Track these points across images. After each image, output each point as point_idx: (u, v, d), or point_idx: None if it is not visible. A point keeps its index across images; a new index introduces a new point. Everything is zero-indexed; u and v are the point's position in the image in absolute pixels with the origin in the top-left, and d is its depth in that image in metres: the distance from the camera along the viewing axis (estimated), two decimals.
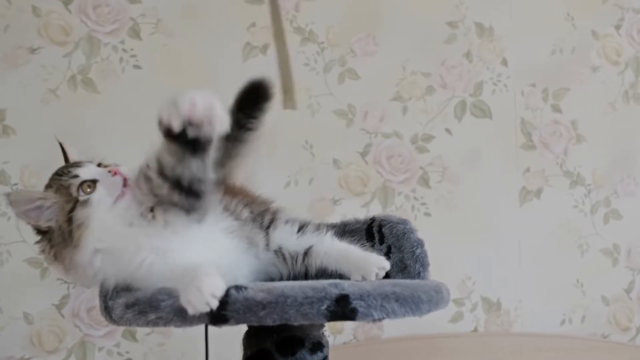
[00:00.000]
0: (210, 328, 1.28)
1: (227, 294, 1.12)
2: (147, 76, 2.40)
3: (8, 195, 1.22)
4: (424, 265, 1.44)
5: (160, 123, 1.08)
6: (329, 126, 2.49)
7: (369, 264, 1.32)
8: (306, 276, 1.41)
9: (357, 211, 2.42)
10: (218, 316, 1.11)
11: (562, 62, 2.66)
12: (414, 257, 1.44)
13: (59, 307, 2.30)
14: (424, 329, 2.42)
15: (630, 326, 2.62)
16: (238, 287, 1.13)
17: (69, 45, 2.38)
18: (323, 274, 1.40)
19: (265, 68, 2.47)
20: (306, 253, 1.39)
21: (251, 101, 1.48)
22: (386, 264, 1.33)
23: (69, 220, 1.20)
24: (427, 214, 2.53)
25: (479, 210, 2.55)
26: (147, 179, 1.17)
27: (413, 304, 1.19)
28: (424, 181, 2.54)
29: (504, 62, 2.62)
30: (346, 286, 1.16)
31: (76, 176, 1.24)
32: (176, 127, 1.07)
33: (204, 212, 1.19)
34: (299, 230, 1.42)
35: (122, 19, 2.41)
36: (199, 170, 1.12)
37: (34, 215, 1.21)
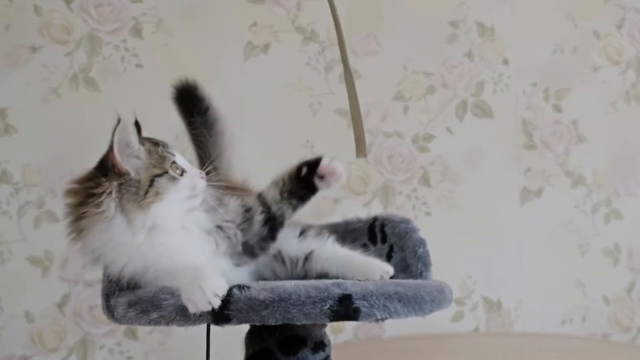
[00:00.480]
0: (212, 327, 1.28)
1: (229, 293, 1.12)
2: (149, 75, 2.40)
3: (120, 120, 1.26)
4: (426, 264, 1.44)
5: (300, 166, 1.28)
6: (330, 125, 2.49)
7: (373, 268, 1.32)
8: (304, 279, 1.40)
9: (358, 211, 2.42)
10: (221, 315, 1.11)
11: (563, 61, 2.66)
12: (416, 256, 1.44)
13: (60, 305, 2.30)
14: (424, 329, 2.42)
15: (631, 326, 2.62)
16: (241, 287, 1.13)
17: (71, 44, 2.38)
18: (323, 277, 1.38)
19: (266, 67, 2.48)
20: (307, 258, 1.38)
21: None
22: (390, 269, 1.32)
23: (151, 182, 1.21)
24: (428, 214, 2.53)
25: (479, 209, 2.55)
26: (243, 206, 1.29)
27: (416, 304, 1.19)
28: (425, 181, 2.54)
29: (505, 62, 2.62)
30: (349, 286, 1.16)
31: (173, 154, 1.27)
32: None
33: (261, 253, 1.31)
34: (300, 234, 1.41)
35: (124, 18, 2.41)
36: (289, 212, 1.28)
37: (125, 152, 1.23)
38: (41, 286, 2.29)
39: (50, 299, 2.29)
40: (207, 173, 1.28)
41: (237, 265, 1.29)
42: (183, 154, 2.40)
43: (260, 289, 1.13)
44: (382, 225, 1.50)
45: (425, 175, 2.54)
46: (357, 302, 1.14)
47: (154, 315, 1.15)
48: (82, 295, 2.30)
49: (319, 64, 2.51)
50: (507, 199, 2.58)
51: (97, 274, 2.24)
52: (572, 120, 2.64)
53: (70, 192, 1.27)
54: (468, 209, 2.55)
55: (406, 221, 1.50)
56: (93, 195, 1.21)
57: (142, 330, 2.32)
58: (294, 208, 1.29)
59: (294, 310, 1.12)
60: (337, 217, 1.67)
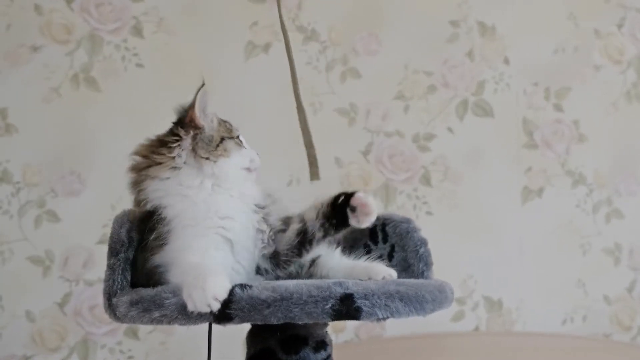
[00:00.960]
0: (214, 326, 1.28)
1: (231, 292, 1.12)
2: (149, 75, 2.40)
3: (203, 86, 1.40)
4: (428, 264, 1.44)
5: (339, 195, 1.30)
6: (331, 125, 2.49)
7: (377, 269, 1.32)
8: None
9: None
10: (222, 314, 1.11)
11: (564, 61, 2.66)
12: (418, 256, 1.44)
13: (61, 305, 2.30)
14: (425, 328, 2.42)
15: (632, 326, 2.62)
16: (243, 286, 1.13)
17: (71, 44, 2.38)
18: None
19: (267, 67, 2.48)
20: (313, 262, 1.39)
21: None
22: (394, 274, 1.33)
23: (221, 140, 1.34)
24: (429, 213, 2.53)
25: (480, 209, 2.55)
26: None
27: (417, 304, 1.19)
28: (426, 180, 2.54)
29: (506, 61, 2.62)
30: (350, 285, 1.16)
31: (237, 131, 1.40)
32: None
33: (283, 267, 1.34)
34: None
35: (125, 17, 2.41)
36: (320, 233, 1.31)
37: (203, 111, 1.36)
38: (42, 286, 2.29)
39: (51, 299, 2.29)
40: None
41: (257, 272, 1.32)
42: None
43: (262, 288, 1.13)
44: (384, 225, 1.50)
45: (426, 174, 2.54)
46: (358, 301, 1.14)
47: (156, 314, 1.15)
48: (83, 294, 2.30)
49: (320, 63, 2.51)
50: (508, 199, 2.58)
51: (97, 274, 2.26)
52: (573, 119, 2.64)
53: (142, 146, 1.38)
54: (469, 208, 2.55)
55: (407, 221, 1.50)
56: (167, 144, 1.34)
57: (143, 329, 2.32)
58: (325, 232, 1.31)
59: (296, 310, 1.12)
60: None
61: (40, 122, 2.33)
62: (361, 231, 1.54)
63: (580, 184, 2.63)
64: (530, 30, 2.64)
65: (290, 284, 1.15)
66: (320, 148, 2.46)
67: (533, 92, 2.63)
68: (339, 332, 2.41)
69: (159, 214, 1.29)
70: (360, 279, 1.26)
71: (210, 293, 1.09)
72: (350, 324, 2.41)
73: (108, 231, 1.33)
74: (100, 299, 1.29)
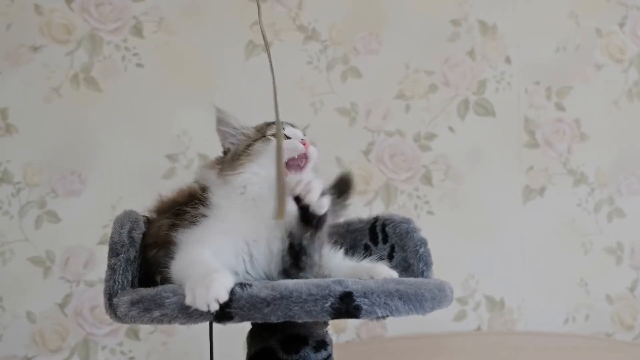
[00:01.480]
0: (215, 326, 1.28)
1: (231, 291, 1.12)
2: (150, 74, 2.40)
3: (218, 110, 1.39)
4: (428, 264, 1.44)
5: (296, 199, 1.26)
6: (332, 124, 2.49)
7: (379, 270, 1.32)
8: None
9: (359, 210, 2.40)
10: (222, 313, 1.11)
11: (565, 60, 2.65)
12: (418, 256, 1.44)
13: (62, 305, 2.30)
14: (427, 328, 2.42)
15: (634, 325, 2.62)
16: (242, 285, 1.13)
17: (72, 44, 2.38)
18: None
19: (267, 66, 2.47)
20: None
21: (340, 190, 1.58)
22: (395, 275, 1.33)
23: (247, 148, 1.35)
24: (430, 213, 2.52)
25: (482, 208, 2.55)
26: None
27: (416, 302, 1.19)
28: (427, 179, 2.54)
29: (508, 60, 2.61)
30: (350, 284, 1.16)
31: (271, 127, 1.40)
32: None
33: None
34: None
35: (125, 17, 2.41)
36: (306, 243, 1.28)
37: (226, 134, 1.38)
38: (42, 286, 2.29)
39: (51, 300, 2.29)
40: None
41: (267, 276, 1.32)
42: (184, 154, 2.41)
43: (262, 287, 1.13)
44: (384, 225, 1.50)
45: (427, 174, 2.54)
46: (358, 299, 1.14)
47: (157, 313, 1.15)
48: (84, 295, 2.30)
49: (321, 62, 2.50)
50: (509, 198, 2.58)
51: (98, 275, 2.26)
52: (575, 118, 2.64)
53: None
54: (470, 207, 2.54)
55: (407, 221, 1.49)
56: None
57: (144, 330, 2.32)
58: (308, 238, 1.29)
59: (296, 308, 1.12)
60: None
61: (40, 122, 2.33)
62: (361, 232, 1.54)
63: (581, 183, 2.62)
64: (531, 29, 2.64)
65: (290, 282, 1.15)
66: (321, 148, 2.47)
67: (534, 91, 2.62)
68: (340, 332, 2.41)
69: (207, 194, 1.33)
70: (361, 279, 1.26)
71: (212, 294, 1.09)
72: (351, 323, 2.41)
73: (109, 232, 1.34)
74: (101, 300, 1.29)
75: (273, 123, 1.39)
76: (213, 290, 1.09)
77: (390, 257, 1.47)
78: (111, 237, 1.31)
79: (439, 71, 2.57)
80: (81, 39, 2.38)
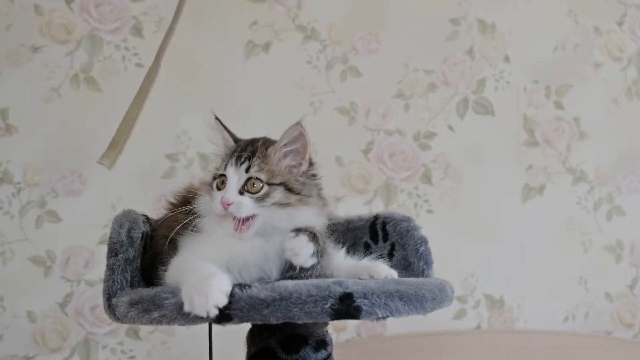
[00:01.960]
0: (214, 326, 1.28)
1: (231, 292, 1.12)
2: None
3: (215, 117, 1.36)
4: (428, 262, 1.44)
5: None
6: (331, 124, 2.49)
7: (379, 269, 1.32)
8: None
9: (359, 209, 2.42)
10: (222, 315, 1.11)
11: (564, 58, 2.65)
12: (418, 254, 1.44)
13: (63, 305, 2.30)
14: (427, 327, 2.42)
15: (634, 323, 2.62)
16: (242, 286, 1.13)
17: (71, 44, 2.38)
18: None
19: (267, 66, 2.48)
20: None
21: None
22: (395, 274, 1.32)
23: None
24: (430, 211, 2.52)
25: (481, 207, 2.55)
26: None
27: (417, 302, 1.19)
28: (427, 178, 2.54)
29: (507, 59, 2.61)
30: (350, 284, 1.15)
31: (226, 165, 1.30)
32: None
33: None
34: None
35: (124, 17, 2.41)
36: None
37: (222, 151, 1.36)
38: (43, 286, 2.29)
39: (52, 299, 2.30)
40: None
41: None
42: (184, 154, 2.41)
43: (262, 288, 1.13)
44: (384, 224, 1.50)
45: (427, 172, 2.54)
46: (358, 300, 1.13)
47: (155, 314, 1.15)
48: (84, 295, 2.30)
49: (320, 62, 2.51)
50: (508, 196, 2.58)
51: (98, 274, 2.26)
52: (574, 117, 2.64)
53: None
54: (470, 206, 2.54)
55: (407, 219, 1.49)
56: None
57: (145, 330, 2.32)
58: None
59: (295, 309, 1.11)
60: (338, 216, 1.66)
61: (40, 122, 2.33)
62: (362, 230, 1.54)
63: (581, 182, 2.63)
64: (530, 28, 2.64)
65: (290, 283, 1.15)
66: (320, 147, 2.47)
67: (533, 89, 2.62)
68: (341, 331, 2.41)
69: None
70: (361, 278, 1.26)
71: (211, 301, 1.09)
72: (352, 322, 2.41)
73: (109, 231, 1.33)
74: (101, 299, 1.29)
75: (233, 154, 1.31)
76: (212, 298, 1.09)
77: (390, 255, 1.47)
78: (110, 237, 1.30)
79: (438, 70, 2.57)
80: (81, 39, 2.38)
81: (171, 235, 1.29)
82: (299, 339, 1.33)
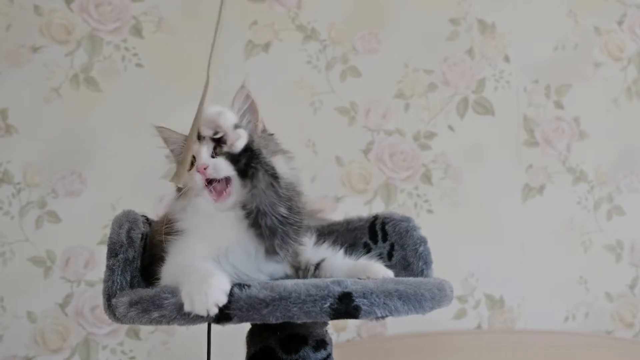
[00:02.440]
0: (214, 326, 1.28)
1: (230, 292, 1.12)
2: (149, 75, 2.40)
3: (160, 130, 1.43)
4: (427, 262, 1.43)
5: None
6: (331, 124, 2.49)
7: (375, 269, 1.32)
8: None
9: (359, 209, 2.42)
10: (221, 315, 1.11)
11: (564, 58, 2.65)
12: (417, 254, 1.44)
13: (63, 305, 2.30)
14: (427, 326, 2.42)
15: (634, 322, 2.62)
16: (241, 285, 1.13)
17: (71, 44, 2.38)
18: None
19: (267, 66, 2.48)
20: (318, 265, 1.38)
21: None
22: (391, 274, 1.32)
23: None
24: (430, 211, 2.52)
25: (481, 207, 2.55)
26: None
27: (416, 302, 1.19)
28: (427, 178, 2.54)
29: (507, 59, 2.61)
30: (349, 284, 1.15)
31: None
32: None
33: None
34: (315, 243, 1.42)
35: (124, 17, 2.41)
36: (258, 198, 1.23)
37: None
38: (43, 286, 2.29)
39: (52, 300, 2.30)
40: None
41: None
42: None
43: (261, 288, 1.13)
44: (383, 224, 1.50)
45: (427, 172, 2.54)
46: (357, 300, 1.13)
47: (155, 314, 1.15)
48: (84, 295, 2.31)
49: (320, 62, 2.51)
50: (509, 196, 2.58)
51: (98, 275, 2.26)
52: (574, 116, 2.64)
53: None
54: (470, 206, 2.55)
55: (407, 219, 1.49)
56: None
57: (145, 330, 2.32)
58: (255, 195, 1.25)
59: (295, 309, 1.11)
60: (338, 216, 1.67)
61: (40, 122, 2.33)
62: (361, 230, 1.54)
63: (581, 181, 2.63)
64: (530, 27, 2.64)
65: (289, 283, 1.15)
66: (320, 147, 2.48)
67: (533, 89, 2.62)
68: (341, 330, 2.41)
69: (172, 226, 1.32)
70: (359, 278, 1.26)
71: (212, 299, 1.09)
72: (352, 322, 2.41)
73: (109, 231, 1.33)
74: (101, 300, 1.29)
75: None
76: (212, 297, 1.09)
77: (389, 255, 1.47)
78: (110, 238, 1.30)
79: (438, 70, 2.57)
80: (81, 39, 2.38)
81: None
82: (299, 339, 1.33)
